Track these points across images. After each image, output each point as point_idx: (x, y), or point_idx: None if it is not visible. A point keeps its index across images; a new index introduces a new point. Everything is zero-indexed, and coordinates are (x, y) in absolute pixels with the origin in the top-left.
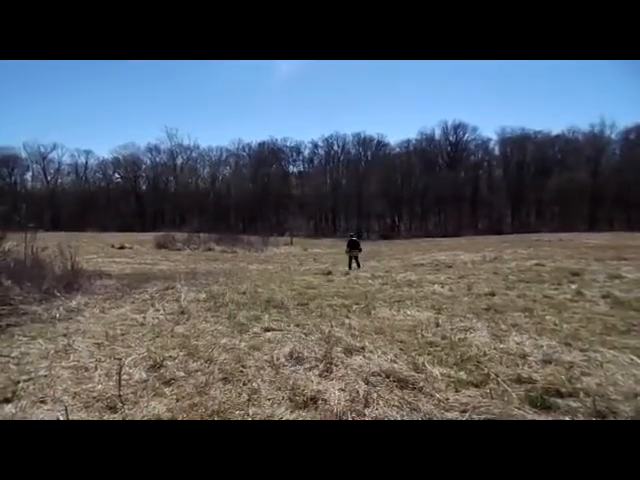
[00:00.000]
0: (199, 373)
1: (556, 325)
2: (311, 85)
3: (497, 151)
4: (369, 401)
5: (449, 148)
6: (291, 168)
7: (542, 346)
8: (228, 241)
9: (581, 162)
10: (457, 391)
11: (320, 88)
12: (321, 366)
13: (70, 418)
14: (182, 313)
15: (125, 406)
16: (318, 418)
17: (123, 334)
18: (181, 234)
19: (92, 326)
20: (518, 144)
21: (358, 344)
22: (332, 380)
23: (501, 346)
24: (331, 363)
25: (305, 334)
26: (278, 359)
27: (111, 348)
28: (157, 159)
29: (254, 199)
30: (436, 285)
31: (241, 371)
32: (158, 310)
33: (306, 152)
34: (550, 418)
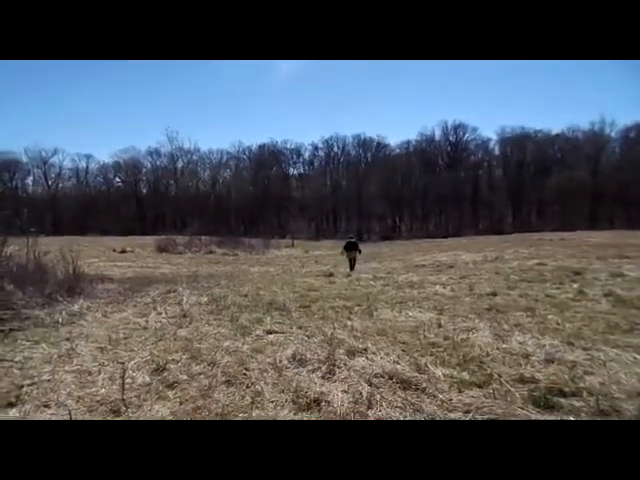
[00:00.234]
0: (202, 376)
1: (558, 324)
2: (311, 86)
3: (497, 151)
4: (372, 402)
5: (449, 148)
6: (291, 170)
7: (545, 345)
8: (229, 244)
9: (581, 161)
10: (460, 392)
11: (320, 88)
12: (324, 368)
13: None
14: (184, 316)
15: (129, 410)
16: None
17: (126, 338)
18: (182, 237)
19: (95, 330)
20: (518, 143)
21: (361, 346)
22: (335, 382)
23: (504, 346)
24: (334, 365)
25: (307, 336)
26: (281, 361)
27: (114, 352)
28: (158, 162)
29: (255, 201)
30: (438, 286)
31: (244, 374)
32: (160, 313)
33: (306, 154)
34: (553, 418)
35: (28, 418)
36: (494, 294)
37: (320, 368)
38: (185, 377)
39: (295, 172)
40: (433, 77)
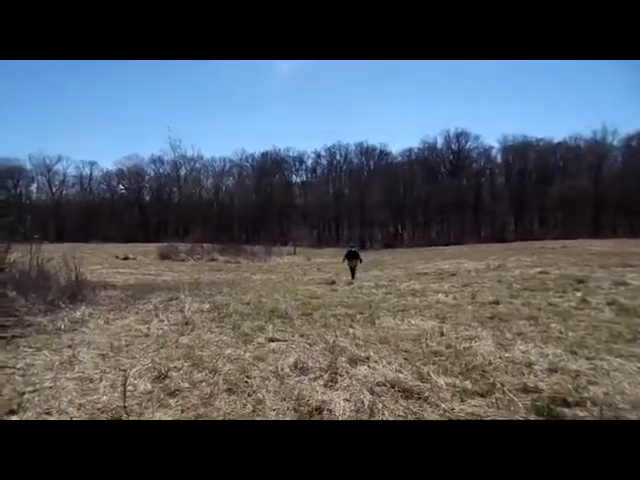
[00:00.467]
0: (204, 384)
1: (561, 333)
2: (311, 86)
3: (499, 159)
4: (374, 411)
5: (451, 156)
6: (294, 178)
7: (548, 355)
8: (231, 251)
9: (583, 169)
10: (462, 401)
11: (321, 89)
12: (326, 376)
13: None
14: (186, 324)
15: (130, 417)
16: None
17: (128, 345)
18: (184, 245)
19: (97, 337)
20: (520, 152)
21: (363, 354)
22: (337, 390)
23: (506, 355)
24: (336, 373)
25: (309, 344)
26: (283, 369)
27: (116, 359)
28: (161, 170)
29: (257, 209)
30: (440, 294)
31: (246, 382)
32: (162, 321)
33: (309, 162)
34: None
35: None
36: (497, 302)
37: (322, 376)
38: (187, 385)
39: (298, 180)
40: (433, 77)
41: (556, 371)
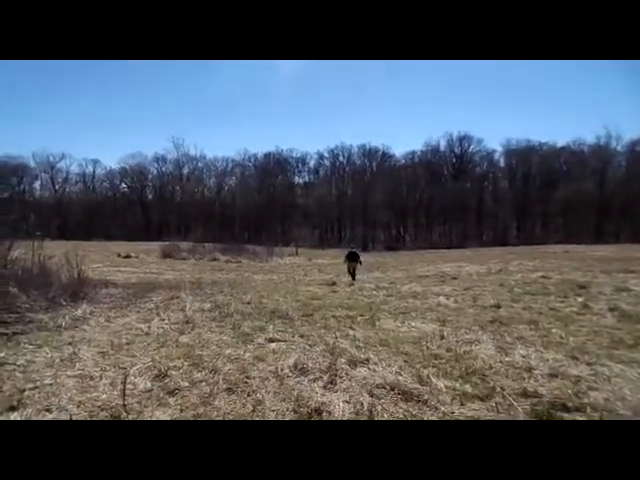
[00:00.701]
0: (203, 383)
1: (562, 338)
2: (312, 87)
3: (502, 163)
4: (373, 413)
5: (454, 160)
6: (296, 179)
7: (548, 359)
8: (233, 251)
9: (587, 174)
10: (462, 404)
11: (321, 89)
12: (325, 377)
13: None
14: (187, 323)
15: (129, 416)
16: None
17: (128, 343)
18: (186, 244)
19: (97, 335)
20: (523, 156)
21: (363, 356)
22: (336, 392)
23: (507, 359)
24: (335, 375)
25: (309, 345)
26: (282, 370)
27: (116, 357)
28: (163, 169)
29: (259, 209)
30: (441, 297)
31: (245, 382)
32: (163, 319)
33: (311, 163)
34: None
35: (29, 418)
36: (498, 306)
37: (322, 377)
38: (186, 384)
39: (300, 180)
40: (435, 80)
41: (556, 376)
